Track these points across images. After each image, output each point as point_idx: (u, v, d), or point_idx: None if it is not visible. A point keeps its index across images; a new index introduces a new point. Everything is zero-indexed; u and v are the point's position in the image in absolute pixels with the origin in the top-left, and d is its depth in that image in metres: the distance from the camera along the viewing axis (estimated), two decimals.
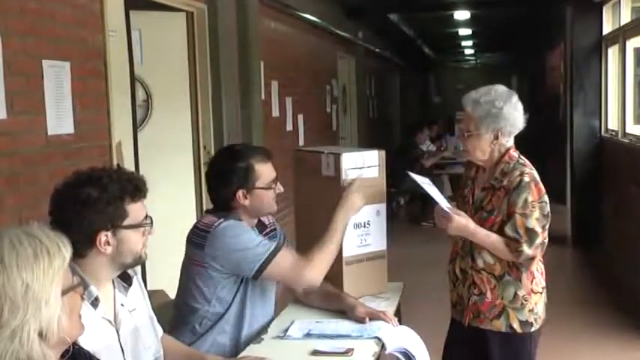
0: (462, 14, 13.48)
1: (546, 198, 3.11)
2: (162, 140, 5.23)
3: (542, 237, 3.08)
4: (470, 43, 20.95)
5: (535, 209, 3.06)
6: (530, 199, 3.06)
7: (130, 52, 4.30)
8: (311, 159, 3.42)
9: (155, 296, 3.36)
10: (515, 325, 3.17)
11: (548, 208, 3.11)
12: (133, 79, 4.39)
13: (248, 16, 5.95)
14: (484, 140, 3.17)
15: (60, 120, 3.44)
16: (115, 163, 3.90)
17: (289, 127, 7.67)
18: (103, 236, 2.21)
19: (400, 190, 9.82)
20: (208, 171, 3.03)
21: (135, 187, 2.27)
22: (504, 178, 3.12)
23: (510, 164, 3.14)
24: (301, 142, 8.07)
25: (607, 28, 8.56)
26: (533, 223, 3.05)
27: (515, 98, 3.19)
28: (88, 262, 2.22)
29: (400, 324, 3.09)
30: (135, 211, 2.26)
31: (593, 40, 8.65)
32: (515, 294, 3.15)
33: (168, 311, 3.03)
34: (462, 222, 3.09)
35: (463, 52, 24.08)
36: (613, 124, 8.52)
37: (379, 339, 2.85)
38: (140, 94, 5.14)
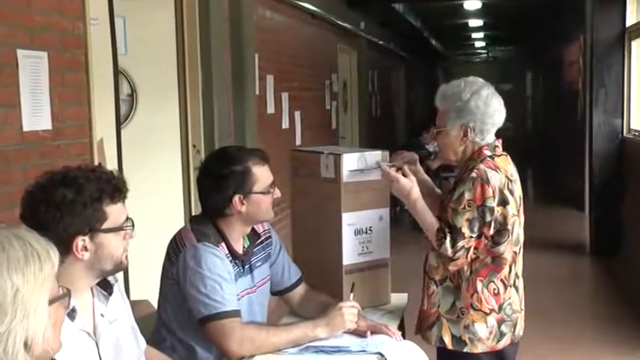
0: (472, 4, 13.49)
1: (492, 203, 2.97)
2: (147, 138, 5.21)
3: (469, 242, 2.99)
4: (481, 35, 21.00)
5: (470, 210, 2.98)
6: (467, 195, 2.98)
7: (113, 42, 4.28)
8: (309, 159, 3.41)
9: (139, 307, 3.35)
10: (447, 339, 3.11)
11: (496, 216, 2.99)
12: (117, 71, 4.37)
13: (242, 5, 5.94)
14: (452, 137, 3.13)
15: (36, 115, 3.42)
16: (96, 162, 3.88)
17: (285, 124, 7.65)
18: (80, 241, 2.19)
19: None
20: (200, 176, 2.99)
21: (114, 187, 2.25)
22: (464, 175, 3.08)
23: (475, 161, 3.06)
24: (298, 142, 8.06)
25: (631, 19, 8.56)
26: (462, 223, 2.98)
27: (485, 92, 3.11)
28: (64, 269, 2.16)
29: (404, 339, 3.07)
30: (114, 213, 2.25)
31: (616, 33, 8.65)
32: (454, 304, 3.10)
33: (152, 323, 3.02)
34: (406, 185, 3.09)
35: (474, 45, 24.15)
36: (636, 123, 8.52)
37: (381, 354, 2.83)
38: (124, 88, 5.12)
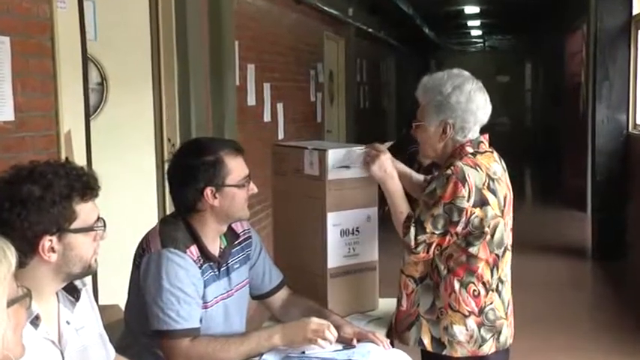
0: None
1: (463, 203, 2.95)
2: (119, 131, 5.20)
3: (431, 238, 3.00)
4: (477, 23, 21.02)
5: (438, 206, 2.99)
6: (438, 192, 2.99)
7: (82, 27, 4.27)
8: (292, 155, 3.41)
9: (109, 312, 3.35)
10: (426, 341, 3.12)
11: (471, 218, 2.97)
12: (86, 58, 4.36)
13: None
14: (431, 133, 3.12)
15: None
16: (63, 155, 3.87)
17: (267, 117, 7.66)
18: (47, 241, 2.18)
19: None
20: (171, 168, 2.99)
21: (85, 184, 2.24)
22: (440, 171, 3.09)
23: (455, 159, 3.05)
24: (281, 136, 8.06)
25: (637, 7, 8.59)
26: (425, 217, 3.00)
27: (469, 86, 3.08)
28: (28, 272, 2.17)
29: (392, 347, 3.08)
30: (85, 212, 2.24)
31: (621, 22, 8.69)
32: (433, 303, 3.11)
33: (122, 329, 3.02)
34: (389, 165, 3.14)
35: (469, 33, 24.17)
36: None
37: None
38: (94, 76, 5.11)
